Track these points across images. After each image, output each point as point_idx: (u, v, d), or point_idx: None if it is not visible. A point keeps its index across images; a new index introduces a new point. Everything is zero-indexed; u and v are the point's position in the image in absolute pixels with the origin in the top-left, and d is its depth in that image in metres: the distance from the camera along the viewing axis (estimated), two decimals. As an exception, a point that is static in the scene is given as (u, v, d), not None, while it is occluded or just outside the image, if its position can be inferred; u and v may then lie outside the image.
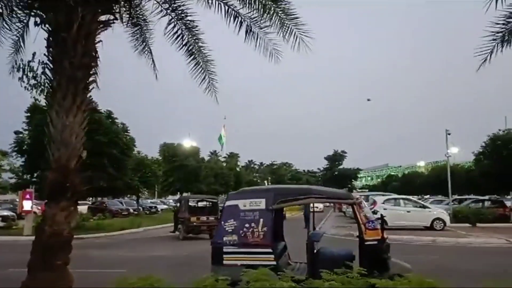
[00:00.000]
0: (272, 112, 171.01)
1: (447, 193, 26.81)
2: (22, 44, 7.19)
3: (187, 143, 44.30)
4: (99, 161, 22.75)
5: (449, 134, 25.43)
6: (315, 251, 6.26)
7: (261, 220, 6.09)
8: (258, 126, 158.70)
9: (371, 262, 5.70)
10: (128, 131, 27.61)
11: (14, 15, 6.46)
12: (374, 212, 7.58)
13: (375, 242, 5.99)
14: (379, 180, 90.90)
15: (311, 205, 7.13)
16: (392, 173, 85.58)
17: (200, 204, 20.20)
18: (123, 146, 25.03)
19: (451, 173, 26.04)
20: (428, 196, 43.97)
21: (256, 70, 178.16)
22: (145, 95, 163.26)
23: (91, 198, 48.43)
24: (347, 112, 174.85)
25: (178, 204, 19.85)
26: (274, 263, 5.88)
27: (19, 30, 7.06)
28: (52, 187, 5.77)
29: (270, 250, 6.00)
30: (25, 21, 6.74)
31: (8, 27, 6.79)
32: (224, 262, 6.08)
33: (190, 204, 19.10)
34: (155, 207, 43.26)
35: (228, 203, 6.47)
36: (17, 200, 25.67)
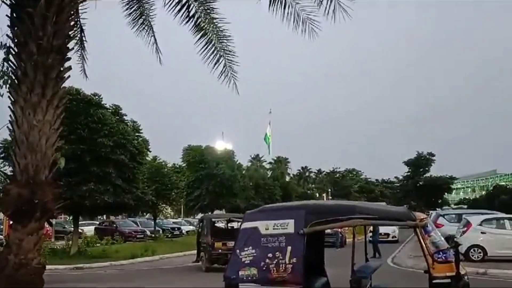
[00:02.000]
0: (332, 106, 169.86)
1: None
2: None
3: (220, 146, 45.36)
4: (103, 169, 23.52)
5: None
6: None
7: (289, 248, 6.04)
8: (314, 124, 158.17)
9: None
10: (141, 131, 28.39)
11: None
12: (450, 238, 7.12)
13: (447, 280, 5.79)
14: (483, 192, 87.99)
15: (367, 227, 7.18)
16: (502, 183, 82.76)
17: (228, 225, 20.64)
18: (134, 150, 25.69)
19: None
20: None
21: (307, 60, 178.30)
22: (165, 88, 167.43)
23: (99, 217, 50.73)
24: (434, 102, 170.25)
25: (200, 226, 20.29)
26: None
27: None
28: (16, 206, 5.86)
29: None
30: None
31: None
32: None
33: (214, 225, 19.48)
34: (178, 228, 44.88)
35: (245, 225, 6.49)
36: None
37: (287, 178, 73.88)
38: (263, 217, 6.44)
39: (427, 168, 71.72)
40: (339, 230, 27.79)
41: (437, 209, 52.07)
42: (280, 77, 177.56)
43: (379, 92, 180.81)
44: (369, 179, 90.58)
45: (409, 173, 72.65)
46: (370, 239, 23.87)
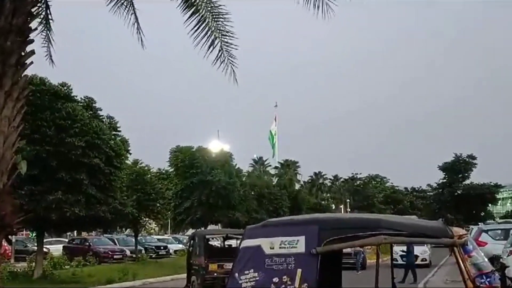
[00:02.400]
0: (347, 101, 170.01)
1: None
2: None
3: (215, 147, 45.71)
4: (72, 175, 23.49)
5: None
6: None
7: (299, 270, 6.13)
8: (327, 122, 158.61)
9: None
10: (119, 129, 28.39)
11: None
12: (495, 259, 7.14)
13: None
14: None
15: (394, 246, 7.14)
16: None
17: (225, 243, 20.81)
18: (110, 152, 25.60)
19: None
20: None
21: (315, 54, 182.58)
22: (154, 84, 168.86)
23: (69, 234, 50.44)
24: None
25: (190, 244, 20.45)
26: None
27: None
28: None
29: None
30: None
31: None
32: None
33: (208, 243, 19.67)
34: (165, 247, 44.85)
35: (246, 243, 6.62)
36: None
37: (297, 186, 74.06)
38: (267, 234, 6.50)
39: (466, 174, 71.01)
40: (361, 249, 27.99)
41: (480, 223, 51.55)
42: (286, 72, 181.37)
43: (401, 86, 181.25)
44: (396, 187, 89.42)
45: (445, 180, 72.02)
46: (401, 261, 24.21)
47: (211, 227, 41.27)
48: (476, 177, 71.55)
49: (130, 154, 30.81)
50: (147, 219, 38.21)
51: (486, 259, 6.33)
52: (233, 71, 8.45)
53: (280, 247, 6.28)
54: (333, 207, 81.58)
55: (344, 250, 7.57)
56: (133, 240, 39.37)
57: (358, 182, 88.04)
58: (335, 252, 7.06)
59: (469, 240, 6.20)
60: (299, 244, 6.22)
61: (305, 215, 9.28)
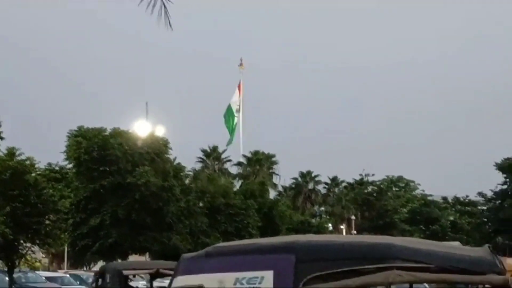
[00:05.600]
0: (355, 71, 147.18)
1: None
2: None
3: (141, 130, 39.27)
4: None
5: None
6: None
7: None
8: (320, 102, 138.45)
9: None
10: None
11: None
12: None
13: None
14: None
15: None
16: None
17: (153, 284, 18.94)
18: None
19: None
20: None
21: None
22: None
23: None
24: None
25: (97, 284, 19.28)
26: None
27: None
28: None
29: None
30: None
31: None
32: None
33: (126, 283, 18.37)
34: None
35: (180, 281, 5.73)
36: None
37: (273, 194, 63.10)
38: (214, 267, 5.58)
39: None
40: None
41: None
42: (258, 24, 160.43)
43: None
44: (430, 197, 75.74)
45: (505, 187, 58.12)
46: None
47: (133, 258, 36.94)
48: None
49: (3, 139, 30.16)
50: (28, 244, 32.95)
51: None
52: (164, 6, 8.10)
53: (235, 287, 5.42)
54: (330, 227, 67.97)
55: None
56: (5, 279, 33.27)
57: (369, 189, 74.54)
58: None
59: None
60: (265, 284, 5.28)
61: (275, 238, 6.93)
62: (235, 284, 5.28)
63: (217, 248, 5.98)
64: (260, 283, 5.19)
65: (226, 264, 5.48)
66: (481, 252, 5.45)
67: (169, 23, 8.52)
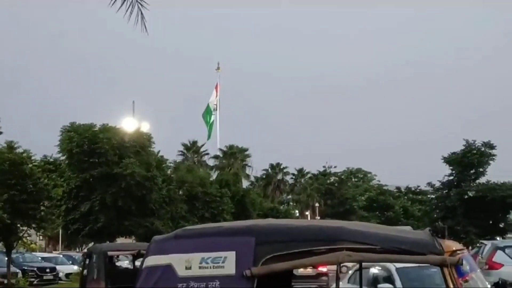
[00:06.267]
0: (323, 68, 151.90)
1: None
2: None
3: (128, 126, 39.31)
4: None
5: None
6: None
7: None
8: (291, 95, 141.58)
9: None
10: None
11: None
12: (502, 285, 7.60)
13: None
14: None
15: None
16: None
17: (135, 263, 19.65)
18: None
19: None
20: None
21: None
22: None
23: None
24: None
25: (85, 264, 19.97)
26: None
27: None
28: None
29: None
30: None
31: None
32: None
33: (111, 263, 19.05)
34: (52, 269, 39.56)
35: (151, 260, 5.77)
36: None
37: (245, 184, 66.36)
38: (182, 248, 5.74)
39: (481, 169, 57.79)
40: (325, 269, 26.48)
41: (498, 238, 44.55)
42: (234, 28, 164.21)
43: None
44: (385, 187, 78.00)
45: (452, 178, 58.78)
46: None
47: (120, 240, 36.51)
48: (494, 174, 58.63)
49: (0, 133, 29.75)
50: (25, 228, 33.26)
51: (489, 286, 6.18)
52: (141, 12, 8.29)
53: (200, 267, 5.58)
54: (297, 214, 70.67)
55: (299, 272, 7.86)
56: (5, 259, 33.32)
57: (332, 179, 76.70)
58: (281, 275, 6.45)
59: (465, 258, 5.69)
60: (227, 263, 5.53)
61: (237, 222, 7.56)
62: (200, 263, 5.55)
63: (185, 231, 6.24)
64: (223, 262, 5.50)
65: (193, 245, 5.69)
66: (422, 234, 5.77)
67: (145, 27, 8.83)
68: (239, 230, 5.94)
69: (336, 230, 5.68)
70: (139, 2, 8.62)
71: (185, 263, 5.60)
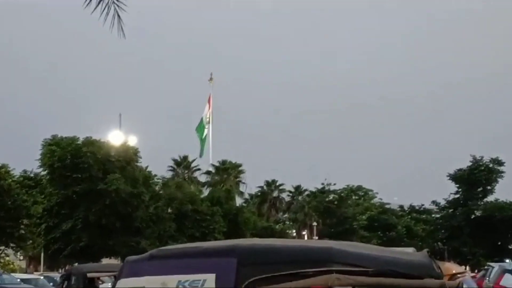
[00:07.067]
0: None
1: None
2: None
3: (114, 139, 39.49)
4: None
5: None
6: None
7: None
8: (286, 112, 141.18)
9: None
10: None
11: None
12: None
13: None
14: None
15: None
16: None
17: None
18: None
19: None
20: None
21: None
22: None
23: None
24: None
25: (63, 286, 19.15)
26: None
27: None
28: None
29: None
30: None
31: None
32: None
33: (91, 284, 18.41)
34: None
35: (122, 283, 5.69)
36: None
37: (239, 201, 64.87)
38: (157, 269, 5.50)
39: (489, 187, 56.68)
40: None
41: (507, 260, 42.64)
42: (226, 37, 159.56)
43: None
44: (387, 206, 75.78)
45: (458, 196, 57.48)
46: None
47: (105, 261, 35.83)
48: (503, 192, 56.90)
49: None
50: (2, 247, 34.55)
51: None
52: (118, 16, 7.98)
53: None
54: (293, 233, 68.58)
55: None
56: None
57: (331, 197, 73.24)
58: None
59: (466, 281, 5.80)
60: (206, 287, 5.26)
61: (218, 242, 7.69)
62: (177, 286, 5.27)
63: (161, 251, 6.00)
64: (202, 285, 5.20)
65: (169, 267, 5.45)
66: (419, 256, 5.53)
67: (122, 30, 8.57)
68: (220, 251, 5.65)
69: (325, 251, 5.46)
70: (115, 3, 8.37)
71: (160, 286, 5.37)
